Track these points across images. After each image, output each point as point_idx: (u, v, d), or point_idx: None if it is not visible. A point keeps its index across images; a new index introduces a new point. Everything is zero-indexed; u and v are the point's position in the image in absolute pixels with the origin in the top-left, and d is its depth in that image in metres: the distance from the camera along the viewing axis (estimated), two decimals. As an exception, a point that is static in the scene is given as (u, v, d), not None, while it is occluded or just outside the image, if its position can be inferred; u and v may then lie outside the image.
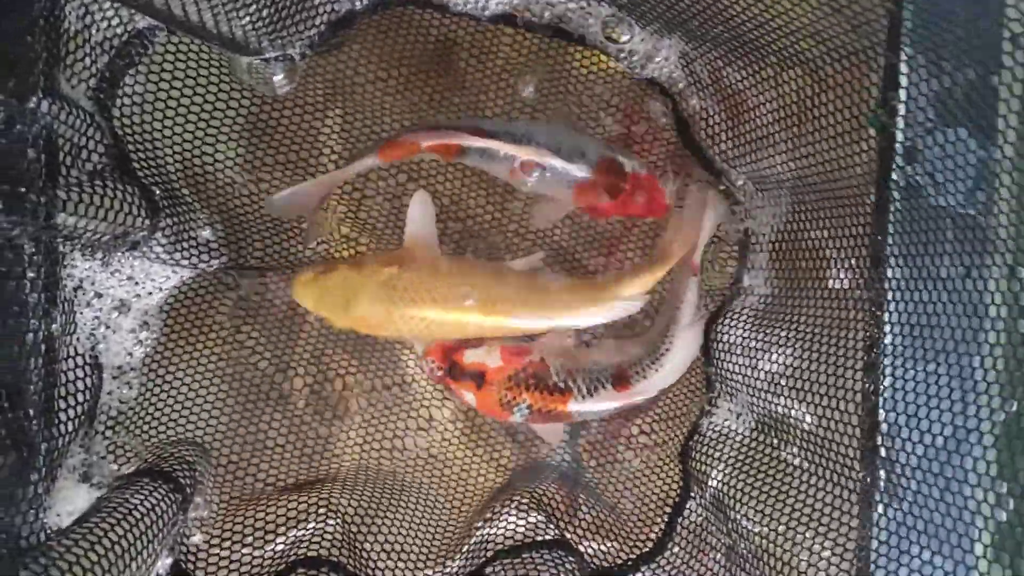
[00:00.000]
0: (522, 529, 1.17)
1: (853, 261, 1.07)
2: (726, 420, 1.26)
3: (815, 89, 1.04)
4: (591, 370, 1.23)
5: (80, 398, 1.09)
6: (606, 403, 1.22)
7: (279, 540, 1.18)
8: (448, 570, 1.20)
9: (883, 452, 1.04)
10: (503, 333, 1.24)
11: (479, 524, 1.20)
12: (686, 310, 1.26)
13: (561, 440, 1.31)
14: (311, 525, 1.19)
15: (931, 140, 1.04)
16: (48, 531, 1.03)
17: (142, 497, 1.01)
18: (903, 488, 1.01)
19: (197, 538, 1.18)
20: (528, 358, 1.23)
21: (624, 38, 1.27)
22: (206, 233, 1.25)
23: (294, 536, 1.18)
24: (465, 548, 1.18)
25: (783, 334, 1.14)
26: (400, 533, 1.22)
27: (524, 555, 1.10)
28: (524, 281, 1.25)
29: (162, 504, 1.02)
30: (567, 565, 1.11)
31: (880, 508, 1.01)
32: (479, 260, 1.32)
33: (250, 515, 1.20)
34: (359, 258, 1.27)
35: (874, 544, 0.99)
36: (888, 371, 1.06)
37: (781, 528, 1.04)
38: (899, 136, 1.05)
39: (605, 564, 1.22)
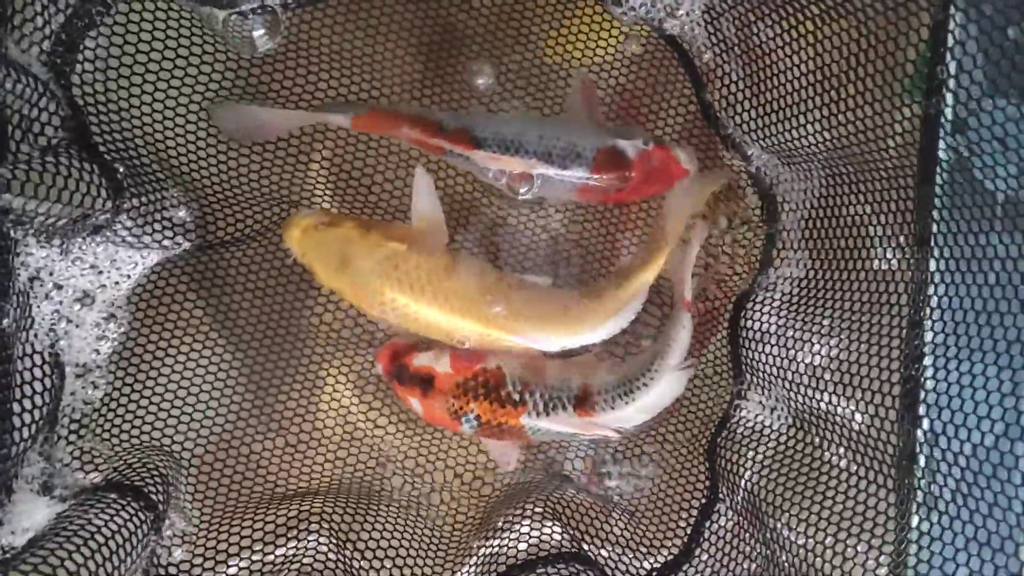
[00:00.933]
0: (535, 540, 1.03)
1: (901, 239, 0.93)
2: (759, 415, 1.12)
3: (861, 45, 0.88)
4: (553, 386, 1.07)
5: (38, 401, 0.93)
6: (562, 426, 1.06)
7: (267, 556, 1.03)
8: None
9: (923, 452, 0.91)
10: (498, 347, 1.10)
11: (487, 534, 1.06)
12: (675, 350, 1.09)
13: (515, 464, 1.16)
14: (299, 540, 1.05)
15: (982, 108, 0.90)
16: (3, 549, 0.87)
17: (108, 517, 0.86)
18: (943, 491, 0.88)
19: (179, 554, 1.03)
20: (481, 364, 1.08)
21: (641, -10, 1.10)
22: (180, 213, 1.09)
23: (282, 553, 1.04)
24: (472, 560, 1.04)
25: (825, 323, 1.00)
26: (394, 544, 1.07)
27: (539, 570, 0.96)
28: (533, 296, 1.11)
29: (131, 524, 0.87)
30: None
31: (919, 514, 0.88)
32: (488, 265, 1.16)
33: (236, 529, 1.05)
34: (366, 221, 1.11)
35: (912, 550, 0.87)
36: (931, 361, 0.93)
37: (828, 540, 0.90)
38: (948, 101, 0.91)
39: (628, 577, 1.08)
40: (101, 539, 0.82)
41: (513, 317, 1.08)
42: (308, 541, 1.04)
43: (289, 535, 1.05)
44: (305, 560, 1.02)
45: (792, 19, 0.96)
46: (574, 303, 1.11)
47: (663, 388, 1.09)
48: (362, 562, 1.04)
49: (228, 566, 1.02)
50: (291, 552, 1.03)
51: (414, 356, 1.09)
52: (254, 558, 1.03)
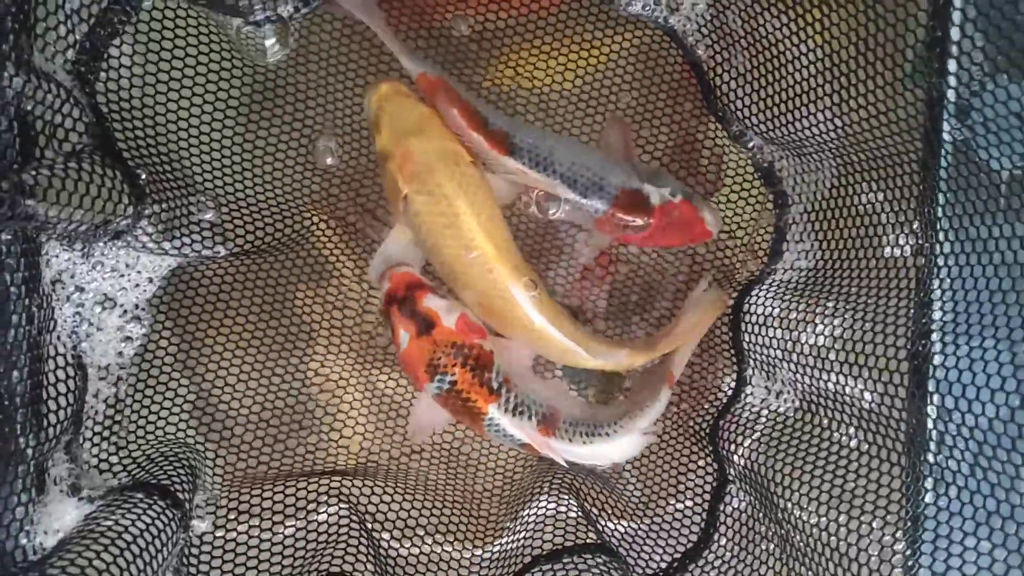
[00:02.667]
0: (560, 522, 0.98)
1: (915, 225, 0.88)
2: (764, 399, 1.07)
3: (870, 29, 0.84)
4: (528, 395, 1.02)
5: (62, 402, 0.88)
6: (518, 431, 1.01)
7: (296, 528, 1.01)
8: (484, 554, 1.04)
9: (936, 427, 0.86)
10: (488, 287, 1.03)
11: (514, 514, 1.02)
12: (646, 416, 1.05)
13: (424, 441, 1.11)
14: (327, 514, 1.02)
15: (985, 88, 0.86)
16: (34, 549, 0.83)
17: (135, 516, 0.81)
18: (960, 466, 0.83)
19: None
20: (480, 341, 1.02)
21: (644, -12, 1.05)
22: (203, 217, 1.05)
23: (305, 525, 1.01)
24: (499, 542, 1.00)
25: (830, 305, 0.95)
26: (422, 522, 1.04)
27: (565, 559, 0.91)
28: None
29: (158, 523, 0.83)
30: (613, 573, 0.92)
31: (936, 490, 0.83)
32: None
33: (265, 501, 1.02)
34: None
35: (930, 525, 0.82)
36: (938, 344, 0.88)
37: (841, 518, 0.85)
38: (951, 83, 0.87)
39: (651, 568, 1.02)
40: (129, 537, 0.77)
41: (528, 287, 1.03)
42: (330, 515, 1.01)
43: (317, 509, 1.02)
44: (327, 532, 0.99)
45: (801, 6, 0.91)
46: (588, 332, 1.08)
47: (621, 445, 1.05)
48: (383, 534, 1.01)
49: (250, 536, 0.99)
50: (315, 524, 1.00)
51: (426, 295, 1.02)
52: (287, 531, 1.00)
